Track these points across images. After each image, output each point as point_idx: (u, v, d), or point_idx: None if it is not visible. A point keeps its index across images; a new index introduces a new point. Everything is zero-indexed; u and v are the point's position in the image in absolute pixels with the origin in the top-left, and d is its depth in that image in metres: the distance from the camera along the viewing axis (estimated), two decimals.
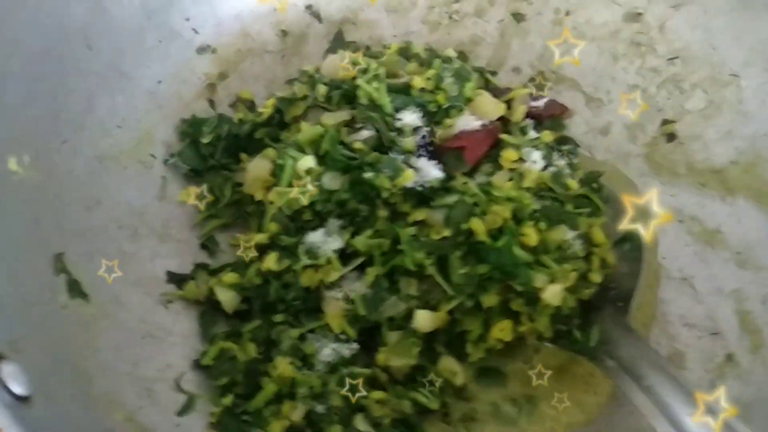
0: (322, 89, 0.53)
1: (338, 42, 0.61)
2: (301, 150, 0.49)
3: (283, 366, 0.46)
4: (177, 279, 0.52)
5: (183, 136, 0.56)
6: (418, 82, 0.51)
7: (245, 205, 0.53)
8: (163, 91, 0.57)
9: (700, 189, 0.57)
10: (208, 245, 0.54)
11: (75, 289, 0.47)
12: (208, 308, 0.51)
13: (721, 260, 0.54)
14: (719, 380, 0.49)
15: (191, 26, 0.58)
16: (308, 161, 0.48)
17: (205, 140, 0.54)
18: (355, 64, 0.53)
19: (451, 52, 0.57)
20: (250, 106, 0.59)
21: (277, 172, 0.50)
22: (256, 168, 0.51)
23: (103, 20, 0.53)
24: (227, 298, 0.50)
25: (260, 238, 0.49)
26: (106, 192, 0.52)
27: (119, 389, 0.46)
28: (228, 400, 0.47)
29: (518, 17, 0.62)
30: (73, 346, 0.45)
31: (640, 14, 0.60)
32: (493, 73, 0.60)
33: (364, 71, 0.52)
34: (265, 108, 0.55)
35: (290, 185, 0.48)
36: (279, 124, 0.55)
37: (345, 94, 0.53)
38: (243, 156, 0.54)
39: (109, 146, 0.53)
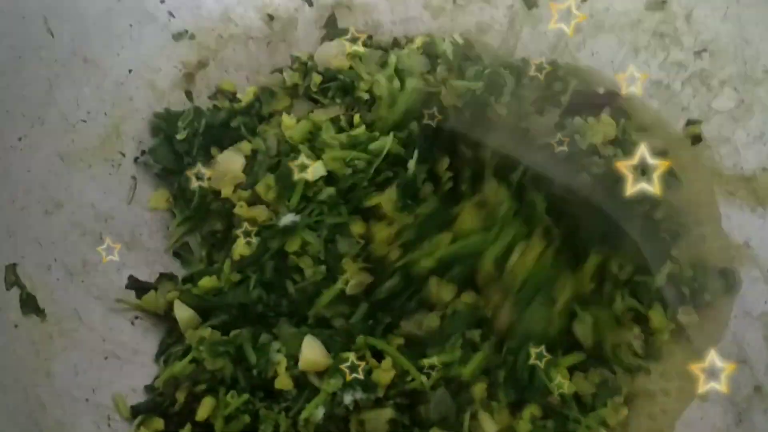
0: (316, 78, 0.49)
1: (332, 27, 0.56)
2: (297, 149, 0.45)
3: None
4: (138, 287, 0.48)
5: (155, 131, 0.51)
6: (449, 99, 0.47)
7: (208, 203, 0.49)
8: (134, 81, 0.52)
9: (727, 198, 0.52)
10: (180, 253, 0.50)
11: (29, 304, 0.43)
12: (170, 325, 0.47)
13: (749, 279, 0.50)
14: (746, 414, 0.45)
15: (166, 9, 0.53)
16: (320, 169, 0.44)
17: (180, 136, 0.50)
18: (356, 55, 0.49)
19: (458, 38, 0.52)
20: (232, 98, 0.55)
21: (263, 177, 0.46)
22: (228, 161, 0.47)
23: (66, 2, 0.48)
24: (184, 317, 0.45)
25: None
26: (67, 194, 0.48)
27: (75, 419, 0.42)
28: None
29: (529, 3, 0.58)
30: (25, 370, 0.41)
31: (664, 2, 0.55)
32: None
33: (384, 64, 0.49)
34: (246, 95, 0.51)
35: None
36: (258, 115, 0.51)
37: (342, 86, 0.48)
38: (214, 150, 0.50)
39: (72, 143, 0.49)
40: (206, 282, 0.46)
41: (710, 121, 0.54)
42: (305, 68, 0.52)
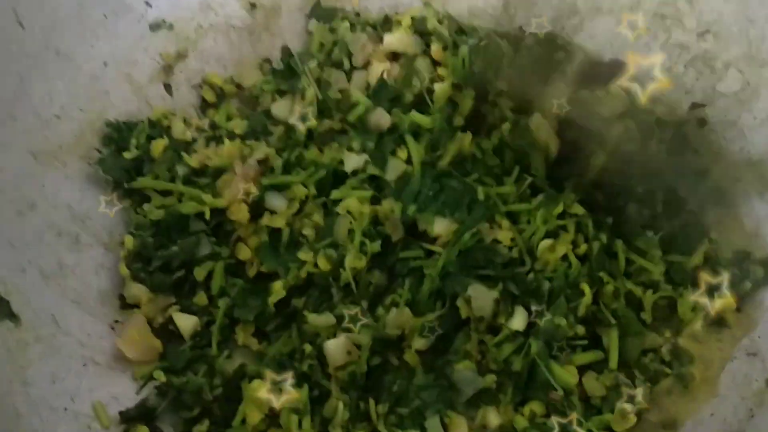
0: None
1: (318, 10, 0.56)
2: None
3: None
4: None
5: (106, 141, 0.50)
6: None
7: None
8: (109, 74, 0.51)
9: (734, 184, 0.51)
10: None
11: (3, 309, 0.43)
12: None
13: None
14: (758, 409, 0.45)
15: None
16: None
17: (129, 155, 0.49)
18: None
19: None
20: (220, 92, 0.54)
21: None
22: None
23: None
24: (186, 325, 0.45)
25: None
26: (41, 193, 0.47)
27: (53, 429, 0.41)
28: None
29: None
30: None
31: None
32: None
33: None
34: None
35: None
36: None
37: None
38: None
39: (46, 140, 0.48)
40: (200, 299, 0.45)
41: (715, 105, 0.53)
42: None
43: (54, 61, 0.49)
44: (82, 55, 0.50)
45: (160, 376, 0.44)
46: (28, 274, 0.45)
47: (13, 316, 0.43)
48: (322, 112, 0.49)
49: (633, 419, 0.43)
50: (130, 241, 0.47)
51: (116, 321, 0.47)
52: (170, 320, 0.46)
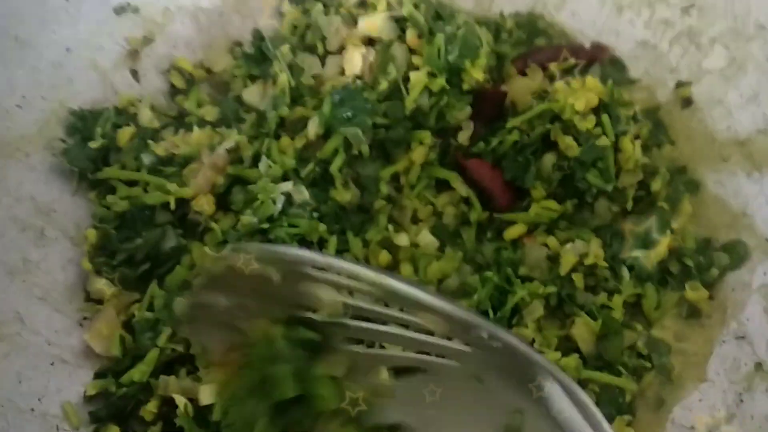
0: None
1: None
2: None
3: None
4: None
5: (70, 130, 0.48)
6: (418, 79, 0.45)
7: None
8: (73, 61, 0.50)
9: (721, 164, 0.51)
10: None
11: None
12: None
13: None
14: (747, 393, 0.44)
15: None
16: None
17: (94, 144, 0.47)
18: None
19: None
20: (189, 78, 0.52)
21: None
22: None
23: None
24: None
25: None
26: (3, 186, 0.45)
27: (20, 431, 0.40)
28: None
29: None
30: None
31: None
32: None
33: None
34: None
35: None
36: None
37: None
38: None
39: (7, 130, 0.46)
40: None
41: (701, 82, 0.52)
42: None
43: (13, 48, 0.47)
44: (43, 41, 0.48)
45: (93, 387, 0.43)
46: None
47: None
48: (295, 99, 0.47)
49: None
50: (92, 235, 0.46)
51: (85, 318, 0.46)
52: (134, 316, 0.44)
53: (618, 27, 0.54)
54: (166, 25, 0.53)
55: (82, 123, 0.48)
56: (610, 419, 0.42)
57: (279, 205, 0.43)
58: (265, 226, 0.42)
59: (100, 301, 0.45)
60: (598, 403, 0.34)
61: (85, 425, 0.42)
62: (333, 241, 0.44)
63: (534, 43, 0.52)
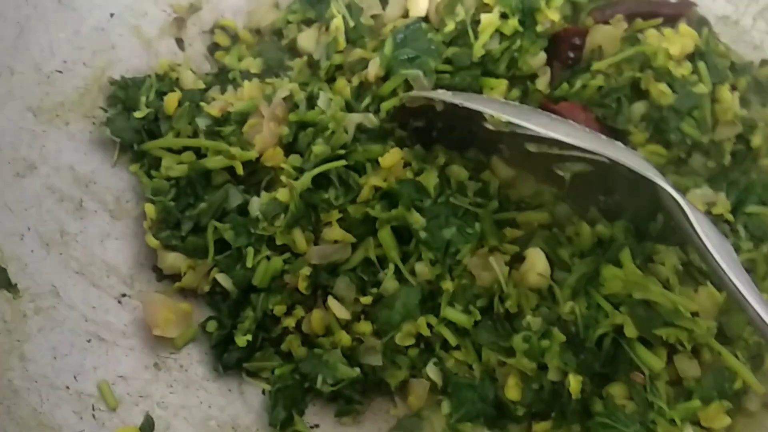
0: None
1: None
2: None
3: None
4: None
5: (112, 100, 0.47)
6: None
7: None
8: (116, 26, 0.48)
9: None
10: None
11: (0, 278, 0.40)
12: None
13: None
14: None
15: None
16: None
17: (138, 114, 0.46)
18: None
19: None
20: (234, 36, 0.50)
21: None
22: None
23: None
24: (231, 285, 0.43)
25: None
26: (41, 154, 0.44)
27: (54, 408, 0.39)
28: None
29: None
30: None
31: None
32: None
33: None
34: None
35: None
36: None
37: None
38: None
39: (47, 96, 0.45)
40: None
41: None
42: None
43: (56, 10, 0.46)
44: (87, 4, 0.47)
45: (212, 327, 0.43)
46: (26, 241, 0.42)
47: (10, 286, 0.40)
48: (353, 41, 0.45)
49: (727, 420, 0.39)
50: (151, 209, 0.44)
51: (123, 295, 0.44)
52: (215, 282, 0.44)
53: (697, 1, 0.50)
54: None
55: (123, 92, 0.47)
56: (707, 402, 0.39)
57: (351, 133, 0.42)
58: (341, 152, 0.42)
59: (176, 277, 0.44)
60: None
61: (122, 406, 0.40)
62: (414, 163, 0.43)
63: None
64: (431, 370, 0.42)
